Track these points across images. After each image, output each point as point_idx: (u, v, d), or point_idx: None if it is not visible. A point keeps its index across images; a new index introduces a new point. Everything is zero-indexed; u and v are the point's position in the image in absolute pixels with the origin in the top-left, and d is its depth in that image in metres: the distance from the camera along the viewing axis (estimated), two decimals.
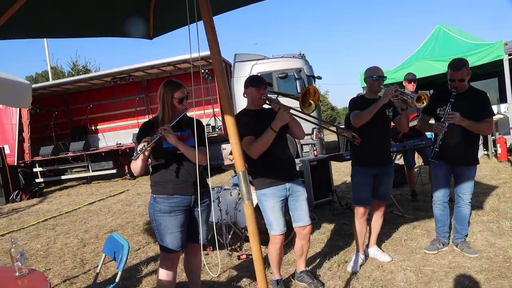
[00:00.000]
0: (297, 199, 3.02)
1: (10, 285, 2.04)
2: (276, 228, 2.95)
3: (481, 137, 8.06)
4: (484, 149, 8.64)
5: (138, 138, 2.60)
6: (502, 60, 7.62)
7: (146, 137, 2.49)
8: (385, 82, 3.44)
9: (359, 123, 3.24)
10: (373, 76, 3.32)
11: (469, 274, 3.10)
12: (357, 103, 3.41)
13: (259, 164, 2.91)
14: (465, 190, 3.50)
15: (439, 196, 3.62)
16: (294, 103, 2.70)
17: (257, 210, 4.06)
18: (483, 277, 3.03)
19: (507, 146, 7.87)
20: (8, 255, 4.79)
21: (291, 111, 2.76)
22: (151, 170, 2.71)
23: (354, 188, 3.47)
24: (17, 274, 2.07)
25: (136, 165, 2.52)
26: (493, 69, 9.64)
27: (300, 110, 2.61)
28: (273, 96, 2.98)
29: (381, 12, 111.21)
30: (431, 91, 14.51)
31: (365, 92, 3.65)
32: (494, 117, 3.62)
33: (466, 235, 3.65)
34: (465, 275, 3.10)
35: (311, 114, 2.72)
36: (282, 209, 2.97)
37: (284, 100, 2.85)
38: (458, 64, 3.32)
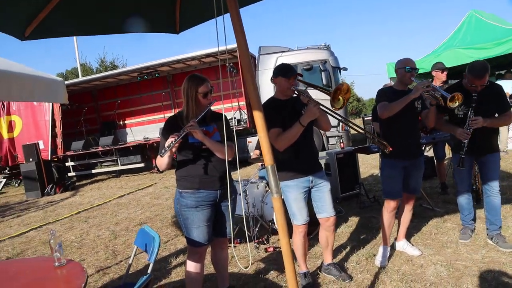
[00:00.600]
0: (320, 190, 3.02)
1: (51, 274, 2.14)
2: (299, 218, 2.99)
3: (510, 129, 7.76)
4: None
5: (164, 133, 2.61)
6: None
7: (172, 132, 2.50)
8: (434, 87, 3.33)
9: (386, 114, 3.18)
10: (406, 68, 3.25)
11: (505, 270, 3.01)
12: (386, 94, 3.34)
13: (282, 156, 2.90)
14: (492, 179, 3.48)
15: (463, 186, 3.67)
16: (322, 95, 2.69)
17: (283, 204, 4.06)
18: None
19: None
20: (46, 246, 5.02)
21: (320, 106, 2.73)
22: (176, 165, 2.72)
23: (384, 180, 3.42)
24: (56, 264, 2.16)
25: (162, 161, 2.54)
26: None
27: (328, 104, 2.59)
28: (303, 88, 2.97)
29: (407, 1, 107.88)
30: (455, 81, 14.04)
31: (393, 83, 3.57)
32: None
33: (500, 227, 3.55)
34: (500, 271, 3.00)
35: (340, 114, 2.73)
36: (305, 199, 2.99)
37: (312, 92, 2.83)
38: (481, 71, 3.23)
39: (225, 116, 2.75)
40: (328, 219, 3.05)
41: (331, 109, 2.67)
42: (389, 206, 3.37)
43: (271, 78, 3.01)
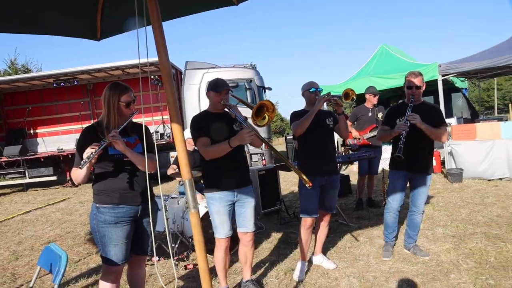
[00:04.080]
0: (243, 205, 3.05)
1: None
2: (221, 231, 2.99)
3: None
4: None
5: (81, 144, 2.42)
6: (436, 80, 8.23)
7: (89, 143, 2.33)
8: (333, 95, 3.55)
9: (299, 131, 3.35)
10: (310, 89, 3.49)
11: (407, 278, 3.29)
12: (298, 114, 3.49)
13: (210, 168, 2.96)
14: (420, 200, 3.73)
15: (394, 205, 3.79)
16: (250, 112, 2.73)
17: (205, 219, 4.02)
18: (419, 281, 3.22)
19: (441, 159, 8.48)
20: None
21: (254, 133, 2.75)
22: (94, 178, 2.54)
23: (302, 198, 3.52)
24: None
25: (79, 173, 2.34)
26: (428, 88, 10.34)
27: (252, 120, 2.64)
28: (233, 104, 2.99)
29: (329, 30, 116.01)
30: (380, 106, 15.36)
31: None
32: None
33: (416, 240, 3.89)
34: (403, 280, 3.27)
35: (266, 141, 2.84)
36: (228, 213, 3.00)
37: (241, 109, 2.88)
38: (414, 72, 3.60)
39: (147, 127, 2.66)
40: (247, 234, 3.09)
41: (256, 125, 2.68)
42: (305, 224, 3.50)
43: (206, 93, 3.03)
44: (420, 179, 3.68)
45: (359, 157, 5.14)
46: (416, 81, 3.55)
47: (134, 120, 2.59)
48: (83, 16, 2.36)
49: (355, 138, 5.79)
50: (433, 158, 3.88)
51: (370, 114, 5.70)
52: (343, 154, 5.13)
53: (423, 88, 3.60)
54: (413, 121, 3.42)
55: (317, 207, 3.48)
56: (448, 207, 5.44)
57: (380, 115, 5.69)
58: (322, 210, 3.60)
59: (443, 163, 8.34)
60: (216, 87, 2.95)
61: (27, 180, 11.16)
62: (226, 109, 2.96)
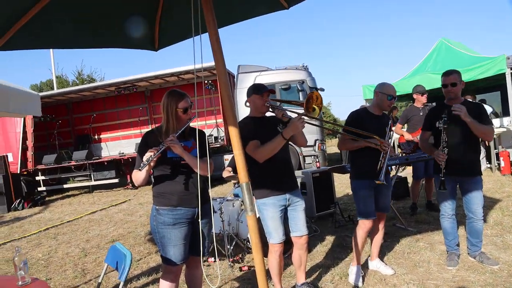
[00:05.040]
0: (295, 209, 3.03)
1: None
2: (275, 237, 2.97)
3: (483, 150, 8.05)
4: (487, 162, 8.62)
5: (141, 148, 2.57)
6: (504, 74, 7.65)
7: (149, 147, 2.46)
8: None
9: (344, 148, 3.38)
10: (388, 96, 3.33)
11: None
12: (358, 116, 3.41)
13: (260, 174, 2.92)
14: (475, 205, 3.45)
15: (447, 210, 3.59)
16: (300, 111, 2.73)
17: (259, 222, 4.05)
18: None
19: (511, 160, 7.85)
20: (10, 264, 4.80)
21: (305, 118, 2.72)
22: (153, 181, 2.66)
23: (360, 201, 3.40)
24: (20, 283, 2.07)
25: (139, 176, 2.49)
26: (496, 83, 9.68)
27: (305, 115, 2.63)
28: (276, 104, 3.02)
29: (384, 27, 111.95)
30: (434, 104, 14.61)
31: (368, 104, 3.65)
32: (497, 130, 3.65)
33: (481, 248, 3.60)
34: None
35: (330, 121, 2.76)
36: (281, 218, 2.99)
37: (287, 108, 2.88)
38: (449, 71, 3.45)
39: (203, 132, 2.74)
40: (301, 237, 3.05)
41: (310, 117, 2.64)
42: (365, 226, 3.39)
43: (245, 102, 3.06)
44: (469, 183, 3.44)
45: (418, 158, 4.90)
46: (450, 79, 3.38)
47: (191, 124, 2.68)
48: (143, 29, 2.50)
49: (408, 141, 5.54)
50: (480, 159, 3.58)
51: (421, 113, 5.43)
52: (400, 156, 4.92)
53: (462, 86, 3.43)
54: (458, 112, 3.20)
55: (374, 209, 3.38)
56: None
57: None
58: (377, 211, 3.49)
59: None
60: (258, 90, 2.97)
61: (93, 183, 11.95)
62: (270, 110, 2.97)
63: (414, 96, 5.58)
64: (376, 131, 3.23)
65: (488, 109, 7.90)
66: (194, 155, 2.58)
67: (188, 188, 2.58)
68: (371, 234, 3.63)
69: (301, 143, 3.06)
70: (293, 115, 2.77)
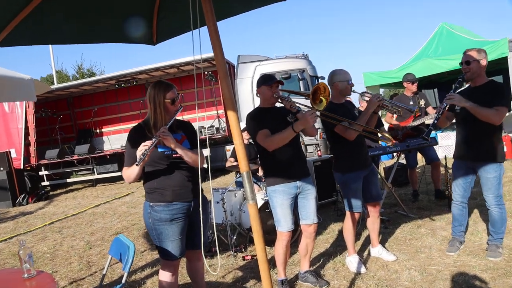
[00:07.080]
0: (306, 197, 3.04)
1: (19, 286, 2.07)
2: (284, 225, 2.98)
3: None
4: None
5: (131, 143, 2.47)
6: (506, 57, 7.58)
7: (139, 142, 2.37)
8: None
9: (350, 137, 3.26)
10: (348, 81, 3.37)
11: (474, 273, 3.10)
12: (333, 110, 3.24)
13: (272, 161, 2.96)
14: (486, 192, 3.35)
15: (458, 196, 3.55)
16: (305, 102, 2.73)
17: (262, 211, 4.08)
18: (488, 276, 3.03)
19: None
20: (16, 258, 4.85)
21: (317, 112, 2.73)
22: (144, 177, 2.56)
23: (350, 195, 3.40)
24: (25, 275, 2.10)
25: (132, 172, 2.40)
26: (498, 67, 9.60)
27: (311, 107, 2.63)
28: (286, 95, 3.02)
29: (383, 12, 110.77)
30: (435, 90, 14.51)
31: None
32: None
33: (502, 238, 3.41)
34: (470, 274, 3.09)
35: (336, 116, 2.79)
36: (291, 206, 2.99)
37: (294, 99, 2.88)
38: (467, 49, 3.36)
39: (191, 124, 2.72)
40: (311, 225, 3.07)
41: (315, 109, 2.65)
42: (354, 218, 3.45)
43: (257, 93, 3.06)
44: (485, 169, 3.28)
45: (419, 145, 4.89)
46: (464, 57, 3.28)
47: (186, 116, 2.66)
48: (141, 23, 2.49)
49: (397, 130, 5.47)
50: (500, 144, 3.37)
51: (411, 102, 5.40)
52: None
53: (479, 64, 3.20)
54: (450, 101, 3.16)
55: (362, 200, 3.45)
56: None
57: (422, 102, 5.37)
58: (372, 201, 3.53)
59: None
60: (267, 81, 2.96)
61: (96, 176, 11.98)
62: (279, 101, 2.97)
63: (405, 84, 5.53)
64: (353, 117, 3.26)
65: None
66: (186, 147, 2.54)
67: (182, 182, 2.52)
68: (367, 223, 3.68)
69: (311, 134, 3.07)
70: (301, 107, 2.80)
